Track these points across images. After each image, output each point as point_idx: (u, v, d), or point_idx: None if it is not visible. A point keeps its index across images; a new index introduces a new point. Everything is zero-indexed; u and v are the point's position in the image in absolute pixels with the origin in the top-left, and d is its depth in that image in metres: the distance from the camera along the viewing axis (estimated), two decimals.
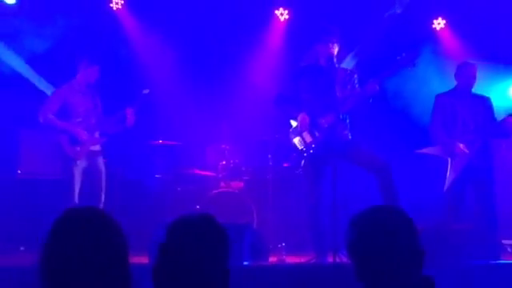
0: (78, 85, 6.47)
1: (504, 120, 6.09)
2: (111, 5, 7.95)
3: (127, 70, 7.52)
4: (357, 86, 5.81)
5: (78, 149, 6.31)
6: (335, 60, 5.77)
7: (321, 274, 4.95)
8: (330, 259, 5.43)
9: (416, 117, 7.15)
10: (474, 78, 6.28)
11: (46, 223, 1.97)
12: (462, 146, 6.10)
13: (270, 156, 7.20)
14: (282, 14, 8.28)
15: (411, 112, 7.37)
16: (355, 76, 5.88)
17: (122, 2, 7.98)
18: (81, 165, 6.32)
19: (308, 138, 5.73)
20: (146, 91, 6.61)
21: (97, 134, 6.49)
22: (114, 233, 1.97)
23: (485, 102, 6.34)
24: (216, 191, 7.13)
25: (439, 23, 8.30)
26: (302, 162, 5.73)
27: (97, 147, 6.49)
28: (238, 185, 7.30)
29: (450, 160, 6.15)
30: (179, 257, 1.96)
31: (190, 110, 7.74)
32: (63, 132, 6.30)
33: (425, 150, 6.34)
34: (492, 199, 6.14)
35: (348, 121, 5.81)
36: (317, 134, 5.70)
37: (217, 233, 2.03)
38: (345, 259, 5.13)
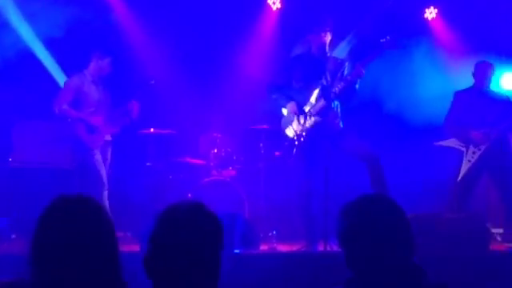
0: (91, 75, 6.46)
1: None
2: None
3: (119, 61, 7.45)
4: (346, 73, 5.83)
5: (95, 136, 6.34)
6: (327, 49, 5.78)
7: (311, 262, 4.97)
8: (321, 247, 5.46)
9: (411, 110, 7.20)
10: (491, 75, 6.42)
11: (36, 211, 1.97)
12: (476, 132, 6.20)
13: (261, 145, 7.20)
14: (274, 3, 8.24)
15: (406, 105, 7.39)
16: (346, 64, 5.89)
17: None
18: (97, 153, 6.36)
19: (299, 127, 5.74)
20: (152, 82, 6.67)
21: (108, 124, 6.51)
22: (103, 221, 1.97)
23: (503, 99, 6.47)
24: (207, 179, 7.12)
25: (431, 12, 8.29)
26: (294, 150, 5.74)
27: (108, 137, 6.54)
28: (229, 173, 7.29)
29: (465, 151, 6.23)
30: (170, 245, 1.95)
31: (181, 98, 7.70)
32: (79, 121, 6.30)
33: (441, 143, 6.50)
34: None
35: (339, 110, 5.82)
36: (307, 122, 5.71)
37: (208, 220, 2.02)
38: (335, 248, 5.15)
